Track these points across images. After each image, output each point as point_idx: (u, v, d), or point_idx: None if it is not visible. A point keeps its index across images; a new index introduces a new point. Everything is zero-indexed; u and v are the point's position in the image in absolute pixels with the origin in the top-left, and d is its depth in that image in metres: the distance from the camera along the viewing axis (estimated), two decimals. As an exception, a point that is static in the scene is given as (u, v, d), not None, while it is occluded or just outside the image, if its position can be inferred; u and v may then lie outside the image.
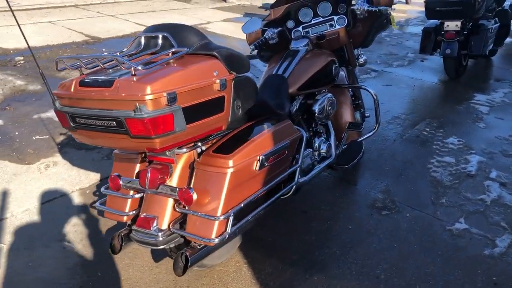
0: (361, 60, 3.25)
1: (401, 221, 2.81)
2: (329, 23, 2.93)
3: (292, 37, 2.94)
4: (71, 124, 1.82)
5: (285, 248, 2.52)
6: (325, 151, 2.79)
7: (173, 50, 1.81)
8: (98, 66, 1.81)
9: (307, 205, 2.93)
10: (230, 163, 1.87)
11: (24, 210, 2.67)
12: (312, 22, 2.95)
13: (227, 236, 1.86)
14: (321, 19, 2.94)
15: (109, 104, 1.64)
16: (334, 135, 2.93)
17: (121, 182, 2.06)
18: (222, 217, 1.85)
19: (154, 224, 1.95)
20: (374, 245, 2.58)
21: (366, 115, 3.48)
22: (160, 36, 1.89)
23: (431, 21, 5.45)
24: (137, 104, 1.57)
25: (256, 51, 2.89)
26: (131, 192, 2.07)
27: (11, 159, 3.22)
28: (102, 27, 7.15)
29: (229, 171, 1.86)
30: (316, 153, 2.79)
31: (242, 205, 1.93)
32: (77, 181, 3.00)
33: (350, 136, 3.12)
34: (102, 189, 2.14)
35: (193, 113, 1.73)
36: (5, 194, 2.80)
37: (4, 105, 4.03)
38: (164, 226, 1.94)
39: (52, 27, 6.92)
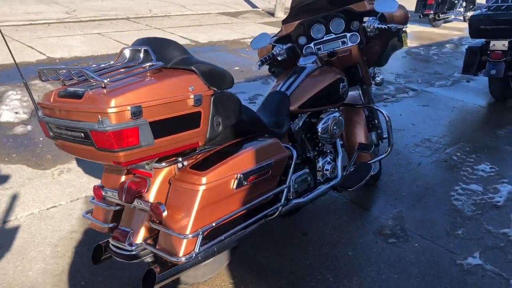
0: (378, 79, 3.12)
1: (408, 251, 2.64)
2: (342, 40, 2.83)
3: (303, 53, 2.88)
4: (51, 133, 1.85)
5: (276, 271, 2.43)
6: (330, 171, 2.68)
7: (149, 63, 1.80)
8: (85, 77, 1.83)
9: (309, 227, 2.82)
10: (203, 180, 1.83)
11: (28, 214, 2.76)
12: (324, 38, 2.87)
13: (194, 255, 1.81)
14: (333, 36, 2.85)
15: (78, 115, 1.65)
16: (342, 156, 2.82)
17: (103, 193, 2.07)
18: (190, 236, 1.80)
19: (128, 238, 1.93)
20: (372, 275, 2.43)
21: (383, 136, 3.32)
22: (142, 49, 1.89)
23: (477, 40, 5.17)
24: (99, 117, 1.57)
25: (261, 67, 2.83)
26: (115, 204, 2.07)
27: (29, 164, 3.34)
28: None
29: (201, 188, 1.82)
30: (320, 173, 2.68)
31: (214, 224, 1.87)
32: (85, 188, 3.06)
33: (361, 158, 2.98)
34: (90, 199, 2.16)
35: (162, 128, 1.70)
36: (15, 197, 2.90)
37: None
38: (138, 240, 1.92)
39: (100, 38, 7.22)
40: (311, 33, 2.90)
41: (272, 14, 10.85)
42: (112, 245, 1.97)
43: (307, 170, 2.49)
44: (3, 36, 2.02)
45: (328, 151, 2.82)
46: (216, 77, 1.87)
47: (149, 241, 1.93)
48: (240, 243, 2.25)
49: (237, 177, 1.92)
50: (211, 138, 1.90)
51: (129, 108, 1.59)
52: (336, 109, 2.80)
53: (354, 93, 3.18)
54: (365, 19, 2.70)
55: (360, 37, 2.78)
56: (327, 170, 2.68)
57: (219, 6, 11.42)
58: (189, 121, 1.79)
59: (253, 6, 11.96)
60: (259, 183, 2.05)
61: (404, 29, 2.73)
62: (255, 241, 2.64)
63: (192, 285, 2.25)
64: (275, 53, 2.79)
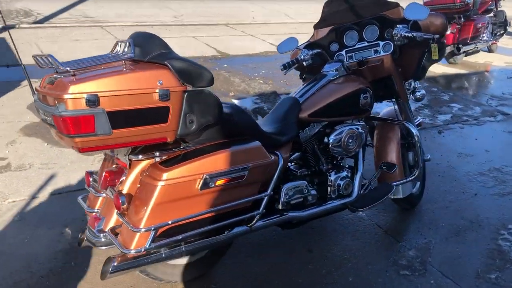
0: (418, 95, 2.84)
1: (419, 287, 2.35)
2: (374, 48, 2.63)
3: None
4: (42, 118, 1.97)
5: (263, 283, 2.32)
6: (342, 188, 2.50)
7: (127, 55, 1.83)
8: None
9: (318, 244, 2.66)
10: (164, 176, 1.81)
11: (56, 193, 2.97)
12: (356, 46, 2.69)
13: (142, 250, 1.80)
14: (366, 44, 2.66)
15: (49, 100, 1.74)
16: (362, 173, 2.61)
17: (91, 179, 2.15)
18: (143, 230, 1.79)
19: (99, 225, 1.98)
20: (365, 306, 2.21)
21: (426, 157, 3.01)
22: (127, 43, 1.93)
23: None
24: (56, 102, 1.64)
25: (286, 71, 2.72)
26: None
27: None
28: (237, 45, 7.57)
29: (160, 184, 1.80)
30: (331, 188, 2.51)
31: (170, 222, 1.84)
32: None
33: (387, 178, 2.74)
34: (86, 185, 2.25)
35: (122, 119, 1.71)
36: (52, 176, 3.15)
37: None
38: (107, 228, 1.96)
39: (193, 41, 7.58)
40: (344, 40, 2.73)
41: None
42: (87, 229, 2.04)
43: (304, 182, 2.35)
44: (12, 40, 2.20)
45: (347, 166, 2.63)
46: (191, 74, 1.84)
47: (117, 230, 1.96)
48: (217, 248, 2.21)
49: (202, 178, 1.87)
50: (182, 135, 1.87)
51: (85, 96, 1.62)
52: (360, 121, 2.61)
53: (391, 108, 2.95)
54: (399, 25, 2.48)
55: (393, 46, 2.56)
56: (339, 186, 2.50)
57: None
58: (155, 115, 1.78)
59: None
60: (232, 187, 1.98)
61: (435, 39, 2.44)
62: (257, 250, 2.56)
63: (169, 282, 2.23)
64: (299, 58, 2.67)
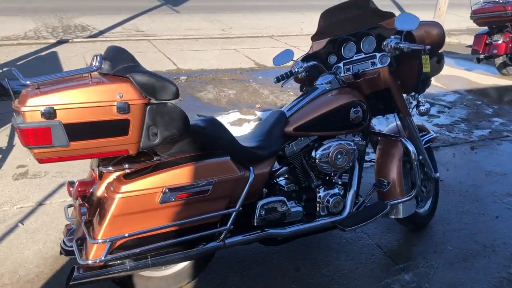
0: (422, 109, 2.66)
1: (406, 315, 2.20)
2: (371, 60, 2.51)
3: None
4: None
5: None
6: (331, 205, 2.40)
7: (93, 69, 1.87)
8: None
9: (307, 263, 2.56)
10: (122, 188, 1.82)
11: (62, 201, 3.08)
12: (354, 58, 2.58)
13: (97, 261, 1.81)
14: (363, 56, 2.54)
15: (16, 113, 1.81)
16: (356, 191, 2.50)
17: (71, 189, 2.21)
18: (100, 241, 1.81)
19: (69, 234, 2.03)
20: (342, 331, 2.09)
21: (433, 176, 2.82)
22: (98, 57, 1.97)
23: None
24: (14, 114, 1.70)
25: (282, 84, 2.66)
26: None
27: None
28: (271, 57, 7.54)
29: (117, 196, 1.82)
30: (320, 205, 2.42)
31: (126, 235, 1.84)
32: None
33: (386, 196, 2.59)
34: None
35: (80, 131, 1.74)
36: (63, 184, 3.27)
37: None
38: (76, 237, 2.00)
39: (233, 53, 7.66)
40: (342, 52, 2.64)
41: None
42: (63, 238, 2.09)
43: (282, 198, 2.27)
44: None
45: (340, 182, 2.52)
46: (153, 87, 1.83)
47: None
48: (197, 261, 2.20)
49: (162, 192, 1.86)
50: (146, 147, 1.87)
51: (40, 109, 1.67)
52: (356, 136, 2.50)
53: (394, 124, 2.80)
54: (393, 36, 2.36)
55: (390, 58, 2.43)
56: (328, 203, 2.40)
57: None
58: (114, 127, 1.79)
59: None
60: (195, 202, 1.95)
61: (426, 51, 2.29)
62: (241, 265, 2.51)
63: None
64: (293, 70, 2.62)
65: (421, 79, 2.46)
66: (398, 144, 2.68)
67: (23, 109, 1.67)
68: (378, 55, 2.49)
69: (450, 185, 3.48)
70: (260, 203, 2.20)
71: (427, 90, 4.17)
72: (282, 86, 2.76)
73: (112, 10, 11.40)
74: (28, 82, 1.74)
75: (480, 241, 2.80)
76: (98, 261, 1.82)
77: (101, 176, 2.01)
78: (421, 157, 2.75)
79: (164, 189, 1.87)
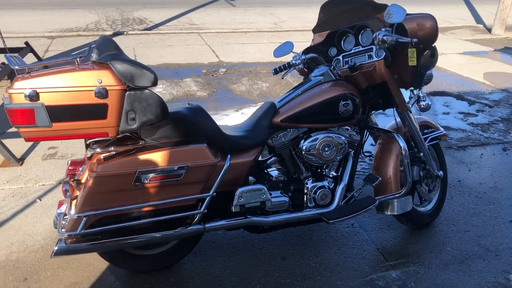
0: (422, 104, 2.59)
1: (383, 311, 2.17)
2: (368, 53, 2.48)
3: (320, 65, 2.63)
4: None
5: (216, 285, 2.34)
6: (318, 197, 2.42)
7: (79, 56, 2.01)
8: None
9: (296, 253, 2.59)
10: (98, 168, 1.96)
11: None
12: (352, 51, 2.56)
13: (73, 234, 1.96)
14: (361, 49, 2.51)
15: None
16: (346, 184, 2.49)
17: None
18: (75, 216, 1.96)
19: (60, 209, 2.20)
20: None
21: (435, 173, 2.73)
22: (90, 46, 2.12)
23: None
24: (3, 96, 1.88)
25: (281, 76, 2.69)
26: None
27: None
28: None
29: (93, 175, 1.95)
30: (307, 197, 2.44)
31: (100, 211, 1.98)
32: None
33: (380, 191, 2.56)
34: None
35: (62, 113, 1.88)
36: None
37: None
38: (64, 212, 2.17)
39: (272, 46, 7.67)
40: (342, 45, 2.62)
41: (490, 30, 9.55)
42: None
43: (262, 187, 2.30)
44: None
45: (330, 175, 2.52)
46: (131, 74, 1.94)
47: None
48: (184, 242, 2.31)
49: (135, 173, 1.97)
50: (124, 131, 1.99)
51: (25, 91, 1.83)
52: (351, 129, 2.49)
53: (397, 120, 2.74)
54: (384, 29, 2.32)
55: (385, 51, 2.39)
56: (315, 194, 2.42)
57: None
58: (93, 111, 1.92)
59: (479, 21, 10.73)
60: (168, 185, 2.05)
61: (413, 44, 2.23)
62: (229, 251, 2.59)
63: (136, 272, 2.37)
64: (291, 62, 2.64)
65: (417, 74, 2.40)
66: (396, 139, 2.63)
67: (10, 91, 1.84)
68: (374, 48, 2.45)
69: (467, 185, 3.34)
70: (239, 190, 2.26)
71: (470, 87, 3.95)
72: (282, 78, 2.78)
73: (171, 4, 11.79)
74: (16, 67, 1.90)
75: (484, 245, 2.68)
76: (73, 234, 1.97)
77: (90, 157, 2.16)
78: (421, 154, 2.68)
79: (138, 171, 1.98)
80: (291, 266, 2.48)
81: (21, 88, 1.83)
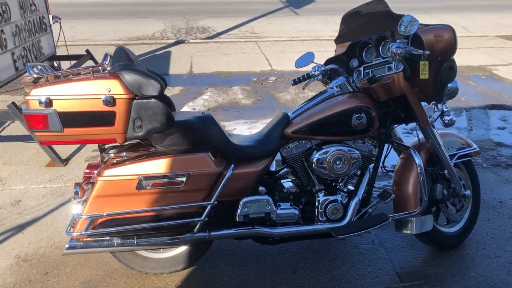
0: (446, 119, 2.46)
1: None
2: (388, 65, 2.39)
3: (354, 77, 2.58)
4: None
5: None
6: (329, 212, 2.37)
7: (93, 66, 2.14)
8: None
9: (308, 267, 2.54)
10: (105, 173, 2.06)
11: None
12: (373, 62, 2.49)
13: (77, 234, 2.07)
14: (381, 60, 2.44)
15: None
16: (364, 200, 2.42)
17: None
18: (83, 217, 2.07)
19: (75, 209, 2.33)
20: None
21: (462, 193, 2.57)
22: (104, 55, 2.25)
23: None
24: (21, 102, 2.04)
25: (298, 86, 2.67)
26: None
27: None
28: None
29: (100, 179, 2.06)
30: (319, 211, 2.40)
31: (104, 214, 2.07)
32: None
33: (400, 208, 2.46)
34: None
35: (73, 119, 2.01)
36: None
37: (216, 111, 4.94)
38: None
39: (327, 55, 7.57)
40: (363, 56, 2.56)
41: None
42: None
43: (267, 198, 2.29)
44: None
45: (344, 189, 2.46)
46: (139, 84, 2.03)
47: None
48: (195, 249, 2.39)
49: (138, 179, 2.05)
50: (131, 138, 2.08)
51: (40, 98, 1.97)
52: (367, 143, 2.42)
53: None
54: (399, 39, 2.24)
55: (404, 64, 2.30)
56: (326, 208, 2.37)
57: (508, 28, 10.03)
58: (102, 118, 2.03)
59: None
60: (170, 192, 2.11)
61: (425, 56, 2.12)
62: (241, 260, 2.60)
63: (140, 272, 2.45)
64: (310, 73, 2.62)
65: (438, 87, 2.28)
66: (420, 154, 2.51)
67: (27, 98, 1.99)
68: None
69: (509, 207, 3.11)
70: (243, 200, 2.27)
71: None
72: (303, 89, 2.76)
73: (236, 13, 12.02)
74: (35, 76, 2.05)
75: (515, 273, 2.48)
76: (78, 234, 2.09)
77: (105, 162, 2.27)
78: (445, 171, 2.54)
79: (140, 177, 2.06)
80: (299, 280, 2.44)
81: (37, 95, 1.97)
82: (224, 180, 2.18)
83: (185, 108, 4.99)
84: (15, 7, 4.66)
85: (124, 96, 2.02)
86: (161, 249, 2.44)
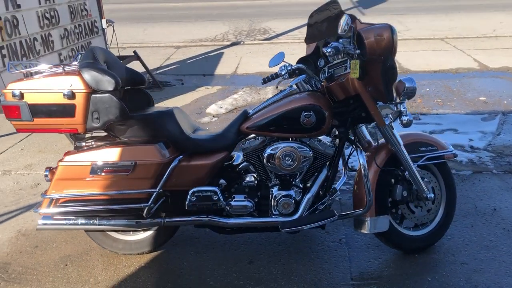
0: (404, 119, 2.41)
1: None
2: (345, 65, 2.42)
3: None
4: None
5: (169, 277, 2.54)
6: (281, 206, 2.45)
7: (64, 63, 2.42)
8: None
9: (266, 258, 2.64)
10: (65, 158, 2.34)
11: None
12: (334, 62, 2.51)
13: (41, 211, 2.37)
14: (340, 60, 2.46)
15: None
16: (314, 195, 2.47)
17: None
18: (46, 197, 2.36)
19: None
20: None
21: (424, 195, 2.50)
22: (76, 54, 2.53)
23: None
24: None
25: (265, 85, 2.75)
26: None
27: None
28: (430, 60, 7.07)
29: (60, 164, 2.34)
30: (271, 204, 2.49)
31: (63, 195, 2.34)
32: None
33: (357, 206, 2.48)
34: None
35: (39, 110, 2.30)
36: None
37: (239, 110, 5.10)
38: None
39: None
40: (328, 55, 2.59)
41: None
42: None
43: (214, 189, 2.42)
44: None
45: (300, 185, 2.52)
46: (96, 80, 2.26)
47: None
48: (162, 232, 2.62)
49: (91, 165, 2.29)
50: (90, 129, 2.34)
51: (12, 92, 2.29)
52: (323, 141, 2.47)
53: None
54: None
55: (356, 63, 2.31)
56: (279, 203, 2.45)
57: None
58: (64, 110, 2.30)
59: None
60: (119, 178, 2.32)
61: (355, 55, 2.11)
62: (201, 247, 2.76)
63: (111, 252, 2.69)
64: (278, 73, 2.70)
65: (385, 86, 2.27)
66: (381, 154, 2.50)
67: (4, 91, 2.32)
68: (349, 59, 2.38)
69: (500, 216, 2.93)
70: (192, 190, 2.42)
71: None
72: (277, 87, 2.83)
73: (303, 14, 11.93)
74: (13, 72, 2.38)
75: (476, 281, 2.38)
76: (42, 211, 2.37)
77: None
78: (406, 173, 2.49)
79: (93, 163, 2.30)
80: (252, 270, 2.55)
81: (11, 89, 2.28)
82: (169, 170, 2.35)
83: (212, 107, 5.21)
84: (66, 13, 5.20)
85: (83, 91, 2.27)
86: (131, 232, 2.67)
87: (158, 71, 7.12)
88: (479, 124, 4.42)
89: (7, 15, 4.14)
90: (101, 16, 6.12)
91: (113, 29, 6.20)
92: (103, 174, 2.32)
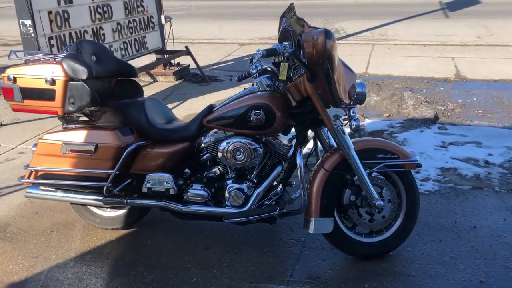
0: (353, 124, 2.41)
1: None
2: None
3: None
4: None
5: (121, 257, 2.77)
6: (231, 198, 2.59)
7: (55, 54, 2.75)
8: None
9: (218, 246, 2.79)
10: (44, 136, 2.68)
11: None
12: (296, 64, 2.57)
13: (23, 181, 2.73)
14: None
15: None
16: (265, 190, 2.58)
17: None
18: (27, 168, 2.72)
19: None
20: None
21: (374, 202, 2.47)
22: (66, 46, 2.86)
23: None
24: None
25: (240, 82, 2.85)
26: None
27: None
28: (495, 68, 6.62)
29: (39, 141, 2.68)
30: (225, 195, 2.63)
31: (39, 168, 2.67)
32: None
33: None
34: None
35: (29, 93, 2.65)
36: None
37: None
38: None
39: (443, 62, 7.07)
40: (294, 57, 2.66)
41: None
42: None
43: (169, 176, 2.60)
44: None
45: (254, 180, 2.62)
46: (72, 69, 2.56)
47: None
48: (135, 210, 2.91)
49: (62, 144, 2.60)
50: (67, 112, 2.65)
51: (8, 75, 2.67)
52: (278, 140, 2.56)
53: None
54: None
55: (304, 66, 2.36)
56: (230, 195, 2.59)
57: None
58: (46, 94, 2.64)
59: None
60: (84, 158, 2.61)
61: (285, 58, 2.18)
62: (171, 230, 2.97)
63: (90, 224, 3.00)
64: (249, 71, 2.81)
65: (330, 91, 2.29)
66: (332, 157, 2.53)
67: (3, 75, 2.72)
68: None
69: (476, 234, 2.78)
70: (149, 175, 2.63)
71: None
72: (253, 85, 2.92)
73: (382, 15, 11.66)
74: (10, 58, 2.76)
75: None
76: (23, 181, 2.73)
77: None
78: (356, 177, 2.49)
79: (63, 143, 2.60)
80: (204, 256, 2.72)
81: (8, 73, 2.66)
82: (124, 154, 2.58)
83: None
84: (120, 8, 5.66)
85: (62, 78, 2.59)
86: (108, 209, 2.96)
87: (214, 67, 7.44)
88: (509, 140, 4.12)
89: (58, 9, 4.66)
90: (160, 12, 6.54)
91: (171, 25, 6.59)
92: (71, 153, 2.62)
